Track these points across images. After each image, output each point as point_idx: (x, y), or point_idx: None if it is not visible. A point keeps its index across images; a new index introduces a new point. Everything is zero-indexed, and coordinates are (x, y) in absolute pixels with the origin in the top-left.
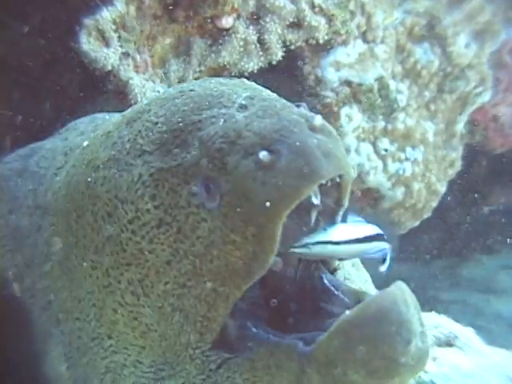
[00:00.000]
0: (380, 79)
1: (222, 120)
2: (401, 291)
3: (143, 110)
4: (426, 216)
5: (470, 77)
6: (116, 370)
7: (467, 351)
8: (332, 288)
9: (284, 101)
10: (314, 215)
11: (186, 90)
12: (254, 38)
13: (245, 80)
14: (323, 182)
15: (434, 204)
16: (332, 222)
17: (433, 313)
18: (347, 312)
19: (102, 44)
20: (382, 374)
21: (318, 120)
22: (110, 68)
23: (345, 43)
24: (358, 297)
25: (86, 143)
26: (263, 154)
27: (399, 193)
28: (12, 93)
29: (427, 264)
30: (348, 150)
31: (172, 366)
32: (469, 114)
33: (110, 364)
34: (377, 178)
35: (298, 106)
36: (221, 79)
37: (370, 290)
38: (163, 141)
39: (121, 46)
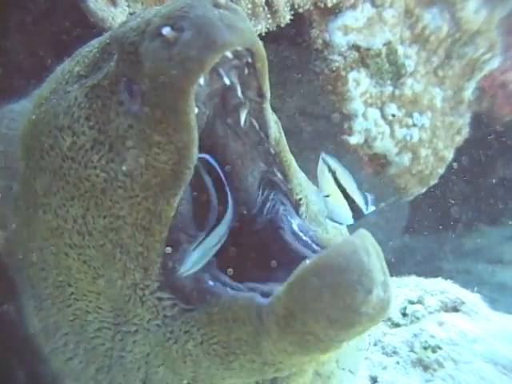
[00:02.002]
0: (388, 44)
1: (138, 19)
2: (362, 240)
3: (84, 46)
4: (432, 183)
5: (478, 43)
6: (82, 317)
7: (473, 317)
8: (300, 233)
9: None
10: (243, 115)
11: None
12: (262, 0)
13: None
14: (229, 55)
15: (441, 171)
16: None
17: (439, 278)
18: (307, 261)
19: (110, 3)
20: (342, 324)
21: None
22: None
23: (353, 7)
24: (325, 244)
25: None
26: (167, 31)
27: (406, 159)
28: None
29: (432, 234)
30: (355, 115)
31: (124, 313)
32: (477, 81)
33: (75, 311)
34: (384, 144)
35: None
36: None
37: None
38: (96, 60)
39: (128, 6)
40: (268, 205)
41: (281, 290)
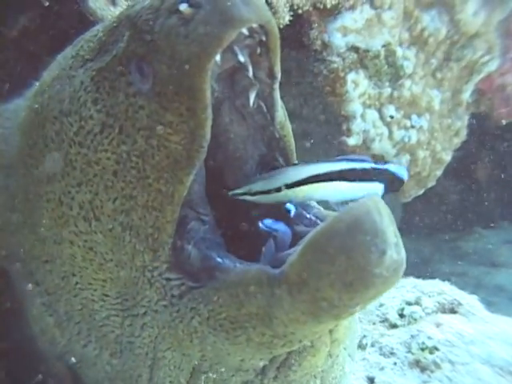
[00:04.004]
0: (387, 46)
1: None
2: (374, 202)
3: (87, 32)
4: (430, 185)
5: (477, 45)
6: (88, 306)
7: (471, 318)
8: (304, 212)
9: None
10: (252, 95)
11: None
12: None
13: None
14: (245, 32)
15: (439, 173)
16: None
17: (437, 280)
18: (319, 226)
19: (109, 2)
20: (356, 286)
21: None
22: None
23: (352, 8)
24: (329, 217)
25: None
26: (183, 7)
27: (404, 160)
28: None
29: (429, 237)
30: (354, 116)
31: (133, 295)
32: (475, 83)
33: (82, 300)
34: (382, 145)
35: None
36: None
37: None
38: (101, 43)
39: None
40: None
41: (293, 258)
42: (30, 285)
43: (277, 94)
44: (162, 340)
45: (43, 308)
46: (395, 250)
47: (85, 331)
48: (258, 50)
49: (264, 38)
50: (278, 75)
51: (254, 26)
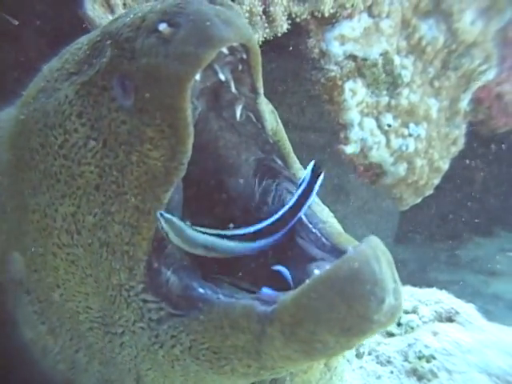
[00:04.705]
0: (385, 54)
1: (132, 15)
2: (373, 249)
3: (72, 44)
4: (427, 193)
5: (474, 54)
6: (74, 316)
7: (468, 327)
8: (310, 225)
9: None
10: (238, 109)
11: None
12: (260, 9)
13: None
14: (225, 51)
15: (437, 181)
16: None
17: (434, 289)
18: (316, 272)
19: (107, 11)
20: (354, 331)
21: None
22: None
23: (350, 17)
24: (335, 239)
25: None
26: (163, 27)
27: (401, 169)
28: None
29: (426, 245)
30: (351, 125)
31: (111, 314)
32: (473, 92)
33: (69, 310)
34: (379, 154)
35: None
36: None
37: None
38: (86, 57)
39: None
40: (272, 194)
41: (288, 300)
42: (21, 294)
43: (262, 106)
44: (141, 360)
45: (35, 316)
46: (393, 296)
47: (76, 338)
48: (240, 67)
49: (245, 56)
50: (261, 91)
51: (235, 44)
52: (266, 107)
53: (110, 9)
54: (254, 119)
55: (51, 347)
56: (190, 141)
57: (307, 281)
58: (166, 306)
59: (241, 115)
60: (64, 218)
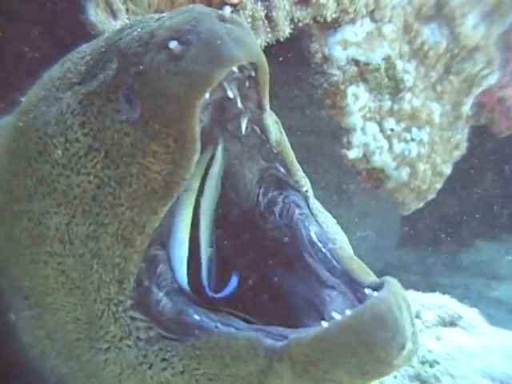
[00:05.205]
0: (387, 59)
1: (139, 29)
2: (394, 295)
3: (73, 52)
4: (430, 198)
5: (477, 58)
6: (64, 325)
7: (471, 331)
8: (319, 244)
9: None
10: (244, 123)
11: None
12: (262, 14)
13: None
14: (236, 70)
15: (439, 186)
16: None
17: (437, 293)
18: (335, 315)
19: (110, 16)
20: (372, 374)
21: (228, 11)
22: None
23: (352, 22)
24: (346, 264)
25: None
26: (174, 45)
27: (404, 173)
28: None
29: (429, 249)
30: (354, 129)
31: (96, 330)
32: (475, 96)
33: (59, 319)
34: (382, 158)
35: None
36: None
37: (338, 231)
38: (89, 68)
39: (128, 19)
40: (279, 206)
41: (304, 339)
42: (19, 299)
43: (268, 121)
44: (126, 378)
45: (33, 321)
46: (412, 340)
47: (67, 345)
48: (247, 83)
49: (253, 74)
50: (267, 107)
51: (245, 62)
52: (270, 120)
53: (113, 14)
54: (259, 132)
55: (49, 352)
56: (196, 158)
57: (324, 323)
58: (155, 327)
59: (246, 128)
60: (58, 227)
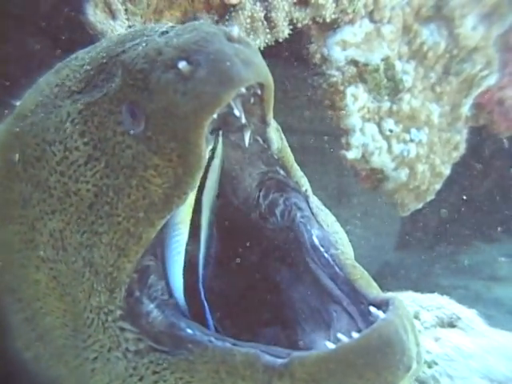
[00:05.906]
0: (386, 59)
1: (144, 44)
2: (400, 318)
3: (70, 59)
4: (429, 199)
5: (476, 59)
6: (52, 331)
7: (470, 332)
8: (321, 248)
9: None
10: (247, 136)
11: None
12: (261, 14)
13: None
14: (243, 90)
15: (438, 186)
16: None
17: (436, 294)
18: (340, 336)
19: (109, 16)
20: None
21: (236, 31)
22: None
23: (352, 22)
24: (348, 271)
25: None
26: (182, 65)
27: (403, 174)
28: None
29: (428, 250)
30: (353, 130)
31: (84, 339)
32: (474, 97)
33: (48, 324)
34: (381, 159)
35: None
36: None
37: (338, 230)
38: (90, 77)
39: (127, 19)
40: (281, 208)
41: (307, 359)
42: (14, 303)
43: (271, 135)
44: None
45: (25, 323)
46: (416, 359)
47: (56, 349)
48: (252, 100)
49: (259, 91)
50: (271, 122)
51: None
52: (274, 134)
53: (112, 14)
54: (261, 141)
55: (42, 354)
56: (200, 174)
57: (329, 344)
58: (145, 339)
59: (249, 140)
60: (52, 233)
